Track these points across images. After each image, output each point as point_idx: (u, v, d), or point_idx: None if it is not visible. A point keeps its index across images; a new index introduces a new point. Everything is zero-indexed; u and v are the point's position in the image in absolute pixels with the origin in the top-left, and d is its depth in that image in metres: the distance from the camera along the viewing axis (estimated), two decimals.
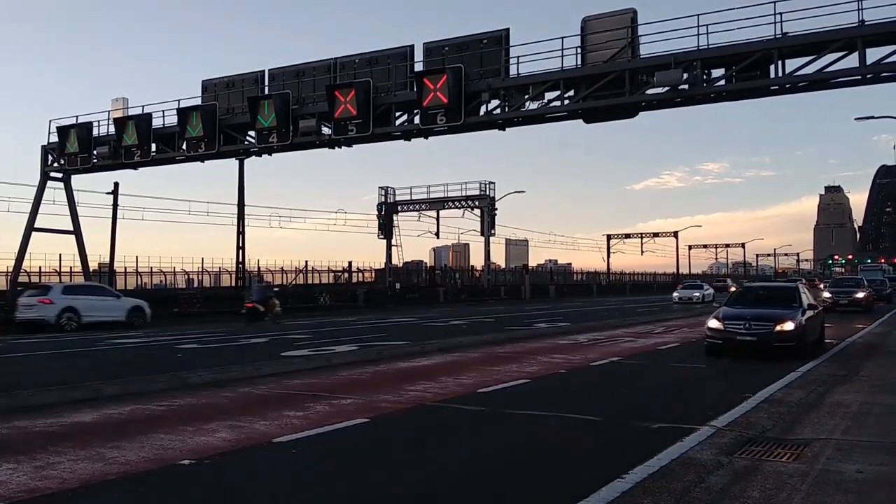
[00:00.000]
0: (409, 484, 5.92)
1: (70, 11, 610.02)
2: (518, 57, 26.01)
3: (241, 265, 38.23)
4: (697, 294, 47.01)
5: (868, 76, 22.45)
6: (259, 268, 51.06)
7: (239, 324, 26.12)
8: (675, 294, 48.40)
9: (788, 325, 13.63)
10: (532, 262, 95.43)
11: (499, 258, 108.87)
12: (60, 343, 19.57)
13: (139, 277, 48.92)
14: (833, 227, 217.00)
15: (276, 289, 32.24)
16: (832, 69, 22.43)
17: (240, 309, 28.38)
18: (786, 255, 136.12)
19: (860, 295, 31.08)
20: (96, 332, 23.39)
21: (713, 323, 14.34)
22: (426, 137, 28.75)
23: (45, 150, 35.13)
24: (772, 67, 22.76)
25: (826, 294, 31.25)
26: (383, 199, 55.82)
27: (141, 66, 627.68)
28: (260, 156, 31.87)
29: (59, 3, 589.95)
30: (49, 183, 35.53)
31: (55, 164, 34.89)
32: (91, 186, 74.79)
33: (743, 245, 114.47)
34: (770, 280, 69.23)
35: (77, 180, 36.21)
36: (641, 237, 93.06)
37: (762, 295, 16.18)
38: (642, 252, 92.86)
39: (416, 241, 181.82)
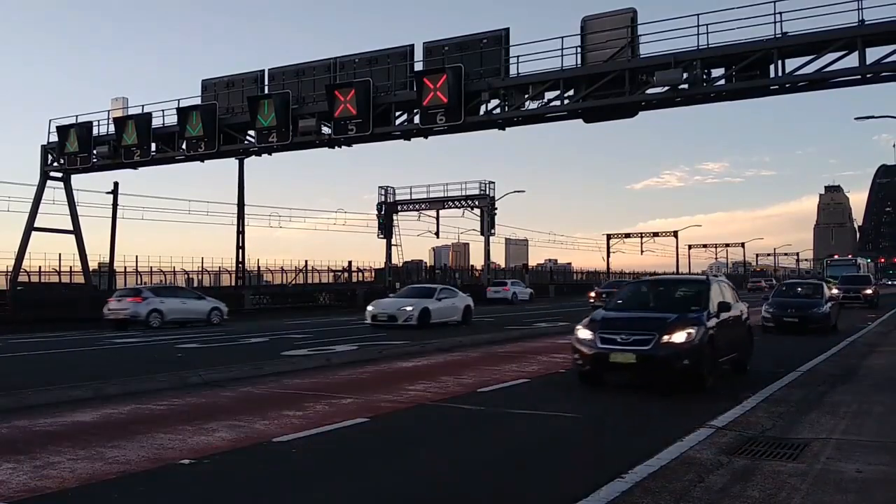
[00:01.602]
0: (409, 483, 5.92)
1: (70, 11, 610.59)
2: (518, 56, 26.02)
3: (240, 265, 38.22)
4: (410, 309, 23.50)
5: (868, 76, 22.46)
6: (259, 267, 51.08)
7: (239, 324, 26.57)
8: (369, 309, 25.01)
9: None
10: (532, 262, 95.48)
11: (499, 258, 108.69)
12: (61, 343, 19.58)
13: (139, 277, 48.79)
14: (833, 227, 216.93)
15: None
16: (832, 69, 22.43)
17: (240, 308, 30.87)
18: (785, 254, 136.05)
19: (677, 337, 9.79)
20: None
21: None
22: (426, 137, 28.76)
23: (45, 149, 35.11)
24: (772, 67, 22.76)
25: (584, 334, 10.40)
26: (383, 198, 55.76)
27: (141, 66, 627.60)
28: (260, 155, 31.86)
29: (60, 3, 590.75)
30: (49, 182, 35.51)
31: (55, 164, 34.88)
32: (91, 186, 74.86)
33: (743, 245, 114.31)
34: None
35: (77, 180, 36.23)
36: (641, 237, 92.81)
37: None
38: (642, 252, 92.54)
39: (416, 241, 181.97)
